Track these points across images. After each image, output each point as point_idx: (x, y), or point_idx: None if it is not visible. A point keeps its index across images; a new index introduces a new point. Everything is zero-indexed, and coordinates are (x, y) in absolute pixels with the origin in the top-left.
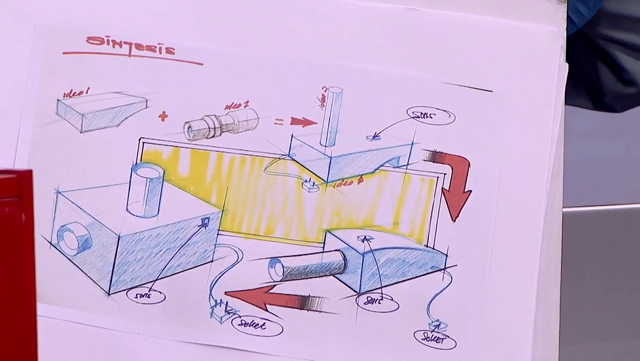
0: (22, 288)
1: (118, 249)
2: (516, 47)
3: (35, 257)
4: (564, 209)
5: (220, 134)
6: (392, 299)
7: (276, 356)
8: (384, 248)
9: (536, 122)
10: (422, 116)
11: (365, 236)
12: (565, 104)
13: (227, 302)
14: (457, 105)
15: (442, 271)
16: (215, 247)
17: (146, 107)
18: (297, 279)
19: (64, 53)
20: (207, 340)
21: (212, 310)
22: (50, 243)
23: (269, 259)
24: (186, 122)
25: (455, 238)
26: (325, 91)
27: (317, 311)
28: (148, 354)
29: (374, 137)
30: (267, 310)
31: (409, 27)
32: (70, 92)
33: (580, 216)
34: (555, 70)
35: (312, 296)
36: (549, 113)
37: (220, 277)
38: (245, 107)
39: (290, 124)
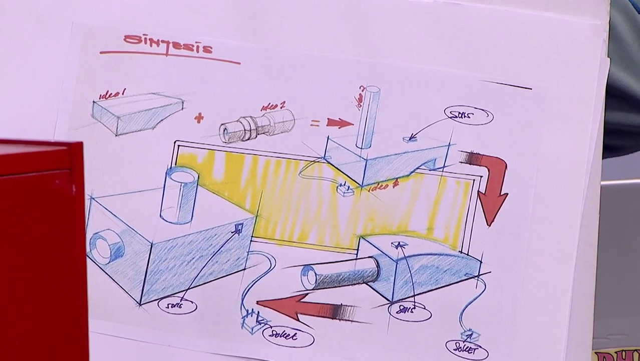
0: (73, 259)
1: (150, 257)
2: (557, 42)
3: (85, 229)
4: (603, 183)
5: (256, 136)
6: (424, 308)
7: None
8: (417, 255)
9: (575, 121)
10: (460, 115)
11: (399, 242)
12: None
13: (258, 312)
14: (496, 104)
15: (476, 278)
16: (248, 254)
17: (182, 108)
18: (329, 288)
19: (101, 53)
20: (238, 352)
21: (244, 320)
22: None
23: (302, 267)
24: (222, 124)
25: (489, 243)
26: (362, 91)
27: (348, 320)
28: None
29: (410, 138)
30: (298, 320)
31: (449, 22)
32: (106, 93)
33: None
34: (597, 65)
35: (344, 305)
36: (588, 111)
37: (252, 285)
38: (281, 107)
39: (327, 125)
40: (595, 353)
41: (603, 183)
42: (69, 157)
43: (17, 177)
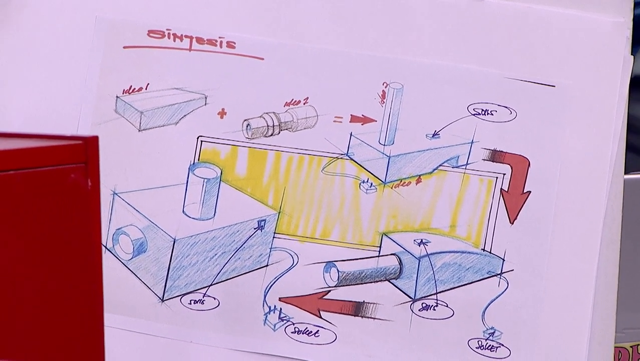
0: (89, 254)
1: (173, 253)
2: (580, 39)
3: (101, 223)
4: (626, 177)
5: (279, 133)
6: (447, 306)
7: None
8: (440, 252)
9: (599, 119)
10: (483, 112)
11: (421, 240)
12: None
13: (281, 308)
14: (519, 101)
15: (499, 276)
16: (270, 251)
17: (205, 103)
18: (352, 285)
19: (124, 47)
20: (260, 349)
21: (266, 316)
22: (106, 248)
23: (324, 264)
24: (245, 120)
25: (512, 241)
26: (385, 87)
27: (371, 318)
28: None
29: (433, 135)
30: (320, 317)
31: (472, 18)
32: (130, 88)
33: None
34: (620, 63)
35: (366, 303)
36: (612, 109)
37: (275, 282)
38: (304, 104)
39: (350, 122)
40: None
41: (626, 176)
42: (84, 152)
43: (33, 172)
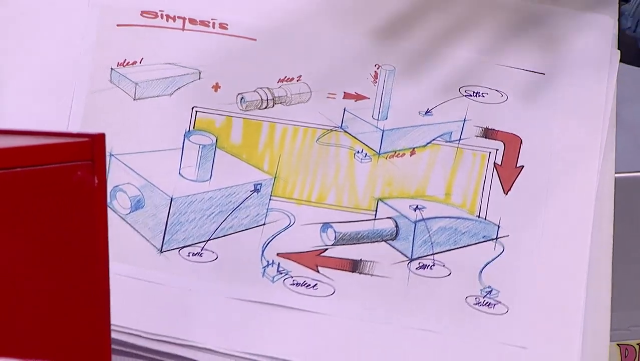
0: (95, 252)
1: (170, 210)
2: (568, 33)
3: (107, 220)
4: (617, 175)
5: (273, 106)
6: (444, 266)
7: (328, 315)
8: (436, 217)
9: (588, 107)
10: (475, 94)
11: (417, 205)
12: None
13: (279, 263)
14: (510, 86)
15: (494, 241)
16: (267, 211)
17: (199, 78)
18: (348, 244)
19: (117, 25)
20: (258, 298)
21: (264, 269)
22: None
23: (321, 225)
24: (239, 94)
25: (507, 210)
26: (377, 68)
27: (368, 274)
28: (199, 309)
29: (426, 113)
30: (318, 272)
31: (464, 7)
32: (124, 61)
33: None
34: (607, 56)
35: (363, 260)
36: (600, 100)
37: (272, 240)
38: (297, 81)
39: (343, 98)
40: (617, 345)
41: (622, 175)
42: (90, 149)
43: (39, 169)
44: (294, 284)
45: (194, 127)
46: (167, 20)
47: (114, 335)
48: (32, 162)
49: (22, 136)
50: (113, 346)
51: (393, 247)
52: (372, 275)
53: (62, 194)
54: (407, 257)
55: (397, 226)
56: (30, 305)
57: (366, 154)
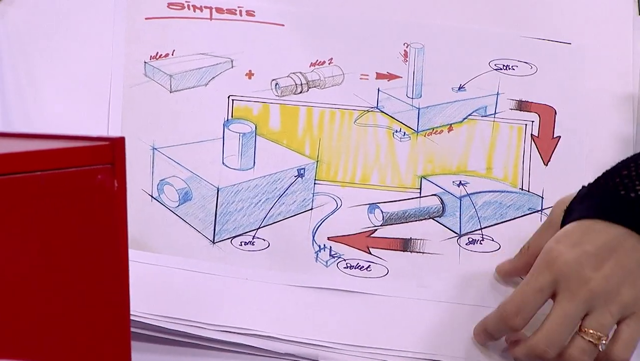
0: (115, 254)
1: (218, 201)
2: (592, 2)
3: (127, 223)
4: None
5: (308, 90)
6: (492, 240)
7: (384, 296)
8: (480, 192)
9: (616, 73)
10: (505, 67)
11: (460, 181)
12: None
13: (330, 247)
14: (538, 57)
15: (540, 212)
16: (313, 195)
17: (232, 66)
18: (396, 223)
19: (146, 19)
20: (315, 283)
21: (317, 254)
22: (152, 197)
23: (368, 206)
24: (273, 80)
25: (549, 181)
26: (406, 47)
27: (420, 252)
28: (256, 299)
29: (459, 88)
30: (370, 253)
31: None
32: (156, 54)
33: None
34: (630, 24)
35: (413, 239)
36: (627, 64)
37: (321, 223)
38: (329, 64)
39: (376, 78)
40: None
41: None
42: (111, 152)
43: (59, 173)
44: (347, 267)
45: (232, 116)
46: (194, 11)
47: (172, 327)
48: (53, 165)
49: (43, 139)
50: (172, 337)
51: (441, 223)
52: (423, 253)
53: (82, 197)
54: (455, 233)
55: (442, 202)
56: (51, 306)
57: (405, 133)
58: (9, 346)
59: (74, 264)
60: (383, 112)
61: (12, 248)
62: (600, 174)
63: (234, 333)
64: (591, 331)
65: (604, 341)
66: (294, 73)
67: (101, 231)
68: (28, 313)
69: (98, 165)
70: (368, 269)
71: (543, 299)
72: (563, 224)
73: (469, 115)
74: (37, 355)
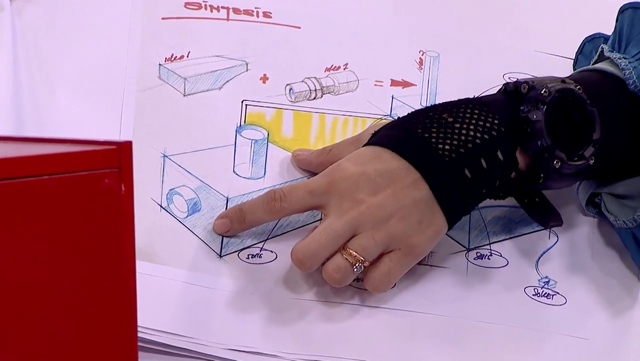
0: (122, 259)
1: None
2: (598, 19)
3: (134, 229)
4: None
5: (322, 96)
6: (501, 255)
7: (389, 309)
8: (490, 207)
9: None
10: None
11: None
12: None
13: None
14: (549, 72)
15: (548, 230)
16: None
17: (247, 69)
18: None
19: (162, 19)
20: (321, 298)
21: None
22: (161, 206)
23: None
24: (287, 85)
25: (558, 196)
26: (422, 55)
27: (427, 265)
28: (261, 312)
29: None
30: None
31: None
32: (171, 56)
33: None
34: None
35: None
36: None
37: None
38: (344, 69)
39: (390, 85)
40: None
41: None
42: (117, 157)
43: (66, 177)
44: (357, 279)
45: (244, 122)
46: (211, 11)
47: (176, 344)
48: (60, 169)
49: (50, 143)
50: (176, 352)
51: (450, 237)
52: (431, 266)
53: (89, 201)
54: (464, 247)
55: None
56: (57, 309)
57: None
58: (15, 350)
59: (80, 268)
60: None
61: (19, 252)
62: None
63: (239, 351)
64: (352, 251)
65: (359, 265)
66: (308, 78)
67: (108, 235)
68: (34, 316)
69: (105, 169)
70: None
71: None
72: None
73: None
74: (44, 356)
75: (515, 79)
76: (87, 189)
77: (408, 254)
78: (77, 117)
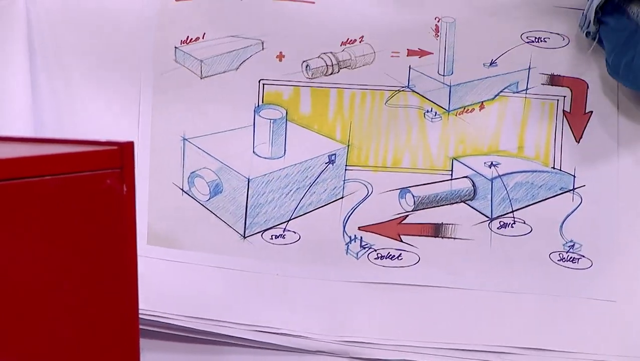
0: (124, 258)
1: (249, 192)
2: None
3: (136, 227)
4: None
5: (339, 71)
6: (524, 223)
7: (414, 286)
8: (511, 173)
9: None
10: (537, 40)
11: (492, 162)
12: None
13: (361, 237)
14: (570, 28)
15: (572, 191)
16: (344, 183)
17: (262, 48)
18: (428, 208)
19: (176, 1)
20: (345, 277)
21: (348, 246)
22: (183, 190)
23: (399, 190)
24: (304, 61)
25: (581, 158)
26: (438, 22)
27: (451, 238)
28: (287, 295)
29: (490, 64)
30: (402, 241)
31: None
32: (187, 38)
33: None
34: None
35: (445, 224)
36: None
37: (352, 212)
38: (360, 42)
39: (407, 55)
40: None
41: None
42: (119, 157)
43: (69, 177)
44: (378, 257)
45: (262, 102)
46: None
47: (202, 327)
48: (63, 170)
49: (53, 144)
50: (201, 336)
51: (472, 207)
52: (454, 238)
53: (91, 201)
54: (487, 217)
55: (474, 185)
56: (60, 307)
57: (436, 113)
58: (18, 348)
59: (83, 266)
60: (414, 91)
61: (21, 251)
62: (630, 146)
63: (265, 332)
64: None
65: None
66: (324, 53)
67: (110, 234)
68: (34, 315)
69: (107, 169)
70: (399, 258)
71: None
72: None
73: (501, 92)
74: (47, 356)
75: (534, 38)
76: (89, 189)
77: None
78: (95, 104)
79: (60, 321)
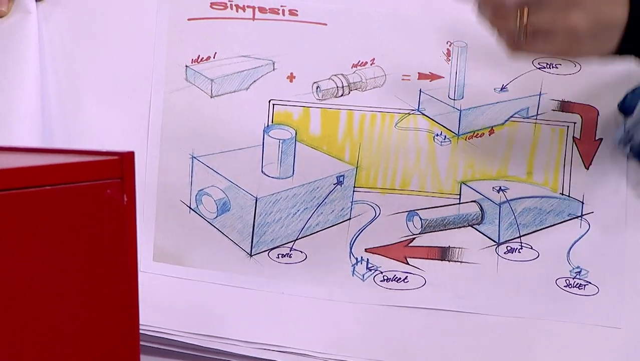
0: (124, 268)
1: (257, 211)
2: None
3: (137, 238)
4: None
5: (349, 93)
6: (531, 248)
7: (420, 309)
8: (519, 198)
9: None
10: (548, 66)
11: (500, 187)
12: None
13: (367, 259)
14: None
15: (580, 218)
16: (352, 204)
17: (273, 69)
18: (435, 231)
19: (188, 20)
20: (351, 298)
21: (354, 268)
22: (190, 208)
23: (407, 213)
24: (314, 83)
25: (589, 185)
26: (449, 46)
27: (458, 261)
28: (291, 313)
29: (501, 89)
30: (408, 264)
31: None
32: (198, 57)
33: None
34: None
35: (452, 247)
36: None
37: (359, 234)
38: (371, 64)
39: (418, 79)
40: None
41: None
42: (120, 167)
43: (69, 187)
44: (384, 280)
45: (272, 122)
46: (237, 11)
47: (207, 345)
48: (63, 180)
49: (53, 154)
50: (210, 356)
51: (480, 231)
52: (461, 262)
53: (92, 211)
54: (494, 241)
55: (481, 209)
56: (60, 319)
57: (445, 137)
58: (20, 356)
59: (83, 278)
60: (424, 114)
61: (22, 261)
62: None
63: (269, 350)
64: None
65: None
66: (335, 75)
67: (110, 246)
68: (37, 324)
69: (107, 180)
70: (405, 280)
71: None
72: None
73: (511, 117)
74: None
75: (546, 64)
76: (90, 199)
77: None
78: (105, 121)
79: (61, 329)
